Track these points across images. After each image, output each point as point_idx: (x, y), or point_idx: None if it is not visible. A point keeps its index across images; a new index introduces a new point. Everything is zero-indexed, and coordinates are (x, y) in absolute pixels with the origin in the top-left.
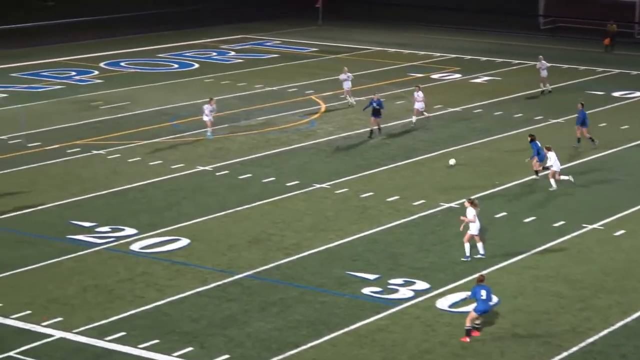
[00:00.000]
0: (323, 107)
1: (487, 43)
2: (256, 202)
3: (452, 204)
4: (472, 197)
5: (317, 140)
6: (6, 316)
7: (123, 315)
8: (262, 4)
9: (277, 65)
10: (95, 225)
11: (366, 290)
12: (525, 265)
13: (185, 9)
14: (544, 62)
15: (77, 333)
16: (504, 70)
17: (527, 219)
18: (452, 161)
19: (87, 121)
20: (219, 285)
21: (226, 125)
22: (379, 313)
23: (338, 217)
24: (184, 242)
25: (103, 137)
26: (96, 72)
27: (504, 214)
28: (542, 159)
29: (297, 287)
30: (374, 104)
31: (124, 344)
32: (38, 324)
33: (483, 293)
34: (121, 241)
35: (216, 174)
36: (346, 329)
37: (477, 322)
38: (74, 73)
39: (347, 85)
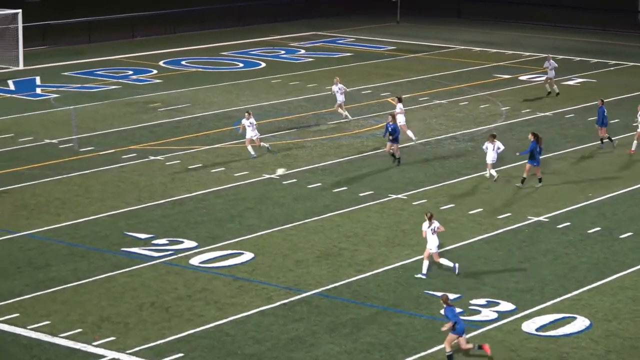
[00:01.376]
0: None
1: (581, 42)
2: (326, 214)
3: (541, 218)
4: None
5: None
6: (55, 334)
7: (181, 335)
8: None
9: (350, 65)
10: (152, 237)
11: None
12: (621, 286)
13: (253, 3)
14: (552, 62)
15: (131, 354)
16: (600, 72)
17: (623, 235)
18: (280, 171)
19: (144, 124)
20: (284, 304)
21: (294, 129)
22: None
23: (415, 230)
24: (247, 256)
25: (161, 141)
26: (155, 72)
27: (598, 229)
28: (538, 163)
29: (370, 306)
30: (390, 128)
31: None
32: (89, 343)
33: (457, 311)
34: (180, 255)
35: (283, 183)
36: (423, 353)
37: (450, 349)
38: (130, 72)
39: (340, 98)
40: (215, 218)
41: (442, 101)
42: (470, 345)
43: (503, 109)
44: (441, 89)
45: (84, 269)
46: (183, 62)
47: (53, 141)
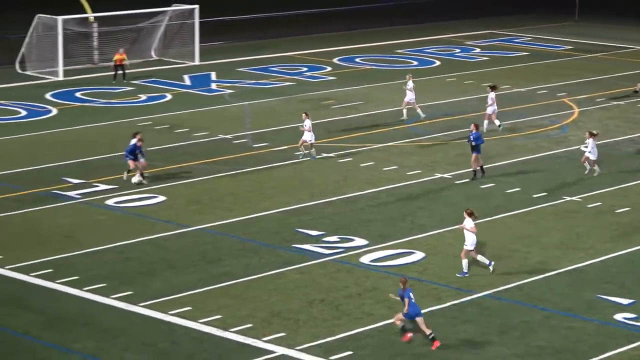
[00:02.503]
0: (576, 111)
1: None
2: (499, 215)
3: None
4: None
5: (569, 148)
6: (226, 329)
7: (350, 333)
8: None
9: (527, 65)
10: (322, 235)
11: (619, 317)
12: None
13: (428, 0)
14: None
15: (300, 350)
16: None
17: None
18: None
19: (317, 121)
20: (455, 305)
21: (467, 129)
22: (632, 342)
23: (590, 234)
24: (418, 255)
25: (334, 138)
26: (329, 69)
27: None
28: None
29: (542, 309)
30: (471, 138)
31: None
32: (259, 338)
33: (412, 296)
34: (350, 253)
35: (455, 182)
36: (595, 359)
37: (425, 329)
38: (305, 69)
39: (410, 96)
40: (386, 216)
41: (620, 102)
42: (429, 331)
43: None
44: (616, 90)
45: (255, 265)
46: (357, 60)
47: (227, 137)
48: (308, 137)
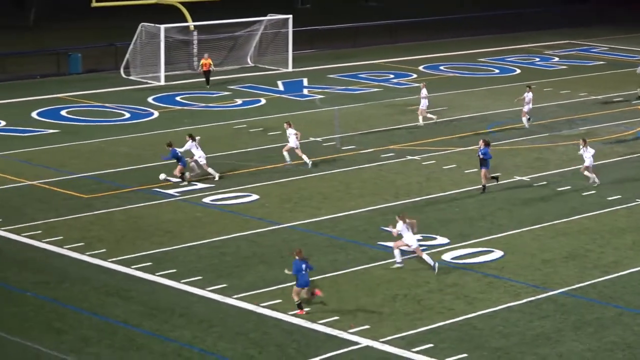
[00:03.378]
0: None
1: None
2: (574, 216)
3: None
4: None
5: None
6: (314, 321)
7: (431, 327)
8: (595, 8)
9: (603, 73)
10: None
11: None
12: None
13: (511, 11)
14: None
15: (383, 342)
16: None
17: None
18: (162, 176)
19: (402, 126)
20: (531, 301)
21: (546, 134)
22: None
23: None
24: (497, 254)
25: (418, 142)
26: (414, 76)
27: None
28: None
29: (615, 307)
30: (480, 153)
31: (431, 356)
32: (345, 330)
33: (303, 267)
34: (432, 250)
35: (533, 185)
36: None
37: (298, 299)
38: (392, 76)
39: (424, 103)
40: (467, 217)
41: None
42: (298, 300)
43: None
44: None
45: (342, 261)
46: (441, 67)
47: (317, 139)
48: (293, 143)
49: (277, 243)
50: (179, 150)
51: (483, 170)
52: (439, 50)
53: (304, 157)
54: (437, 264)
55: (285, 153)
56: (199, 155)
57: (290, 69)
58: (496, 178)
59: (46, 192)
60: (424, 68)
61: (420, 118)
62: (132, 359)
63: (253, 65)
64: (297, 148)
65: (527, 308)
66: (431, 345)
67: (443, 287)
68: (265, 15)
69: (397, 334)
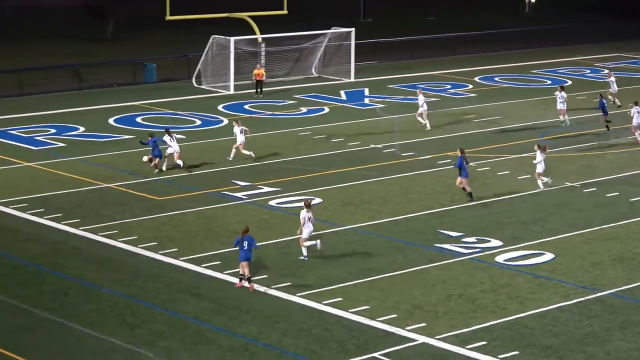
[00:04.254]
0: None
1: None
2: (623, 221)
3: None
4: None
5: None
6: (373, 318)
7: (485, 325)
8: None
9: None
10: (462, 236)
11: None
12: None
13: (566, 26)
14: (612, 78)
15: (439, 339)
16: None
17: None
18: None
19: (458, 134)
20: (580, 302)
21: (595, 143)
22: None
23: None
24: (548, 256)
25: (474, 149)
26: (470, 86)
27: None
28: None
29: None
30: (457, 164)
31: (484, 353)
32: (402, 328)
33: (245, 244)
34: (486, 252)
35: (583, 191)
36: None
37: (243, 272)
38: (449, 86)
39: (422, 109)
40: (519, 220)
41: None
42: (242, 273)
43: None
44: None
45: (400, 261)
46: (496, 79)
47: (378, 146)
48: (240, 140)
49: (338, 244)
50: (158, 140)
51: (462, 178)
52: (494, 63)
53: (250, 152)
54: (319, 242)
55: (234, 150)
56: (174, 149)
57: (352, 79)
58: (470, 194)
59: (122, 194)
60: (479, 79)
61: (426, 123)
62: (202, 353)
63: (317, 75)
64: (242, 144)
65: (577, 308)
66: (484, 342)
67: (496, 287)
68: (330, 29)
69: (451, 331)
